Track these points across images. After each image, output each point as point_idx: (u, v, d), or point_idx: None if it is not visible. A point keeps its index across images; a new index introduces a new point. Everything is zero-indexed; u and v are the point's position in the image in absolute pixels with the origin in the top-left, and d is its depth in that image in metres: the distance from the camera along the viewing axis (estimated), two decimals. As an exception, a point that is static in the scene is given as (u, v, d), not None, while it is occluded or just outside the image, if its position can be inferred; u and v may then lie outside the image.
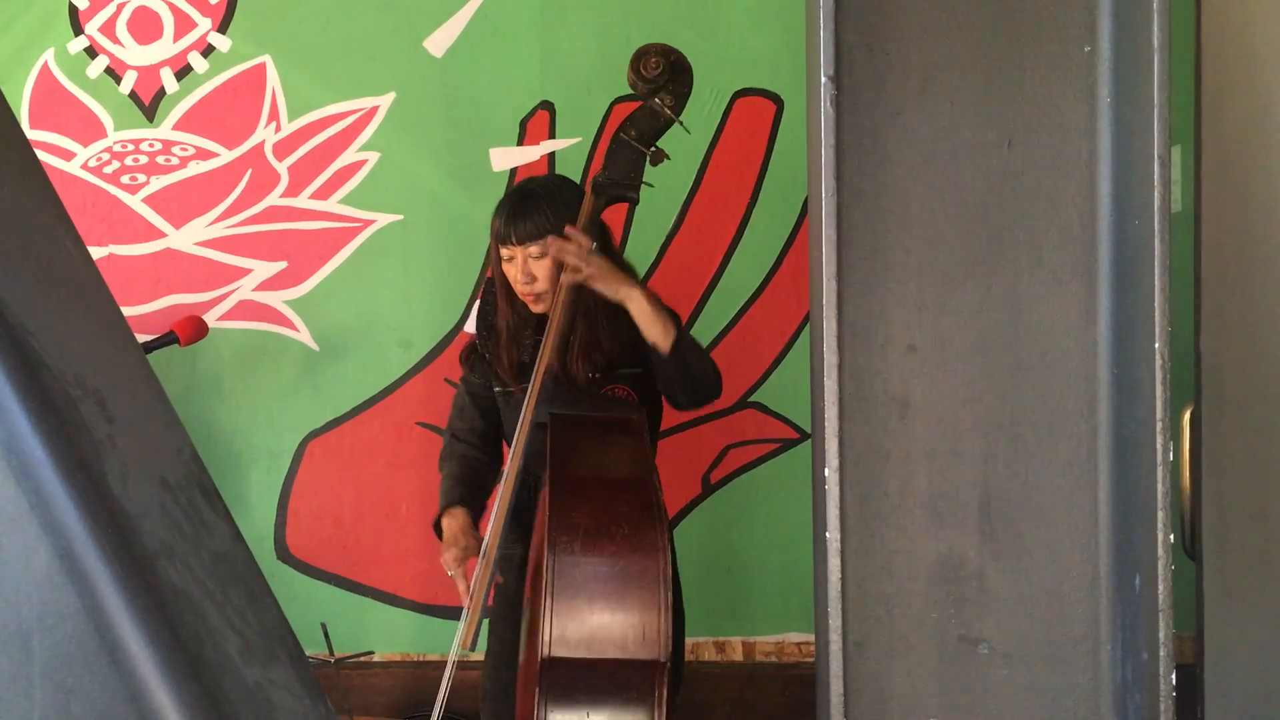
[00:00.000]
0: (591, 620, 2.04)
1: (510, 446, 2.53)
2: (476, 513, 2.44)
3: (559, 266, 2.35)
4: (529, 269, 2.37)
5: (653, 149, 2.37)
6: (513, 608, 2.34)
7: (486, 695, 2.55)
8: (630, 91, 2.40)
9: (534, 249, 2.36)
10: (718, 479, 3.33)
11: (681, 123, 2.38)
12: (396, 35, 3.31)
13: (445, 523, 2.39)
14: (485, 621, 2.34)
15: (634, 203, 2.46)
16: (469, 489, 2.47)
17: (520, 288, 2.40)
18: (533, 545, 2.36)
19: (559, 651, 2.02)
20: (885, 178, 1.47)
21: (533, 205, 2.39)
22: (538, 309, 2.42)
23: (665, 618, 2.04)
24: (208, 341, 3.11)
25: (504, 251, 2.41)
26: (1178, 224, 1.44)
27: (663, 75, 2.32)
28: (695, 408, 2.46)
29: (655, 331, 2.32)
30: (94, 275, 0.98)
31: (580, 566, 2.04)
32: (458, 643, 2.27)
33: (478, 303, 2.53)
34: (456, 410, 2.57)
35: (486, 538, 2.31)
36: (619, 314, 2.38)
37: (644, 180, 2.39)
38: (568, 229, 2.32)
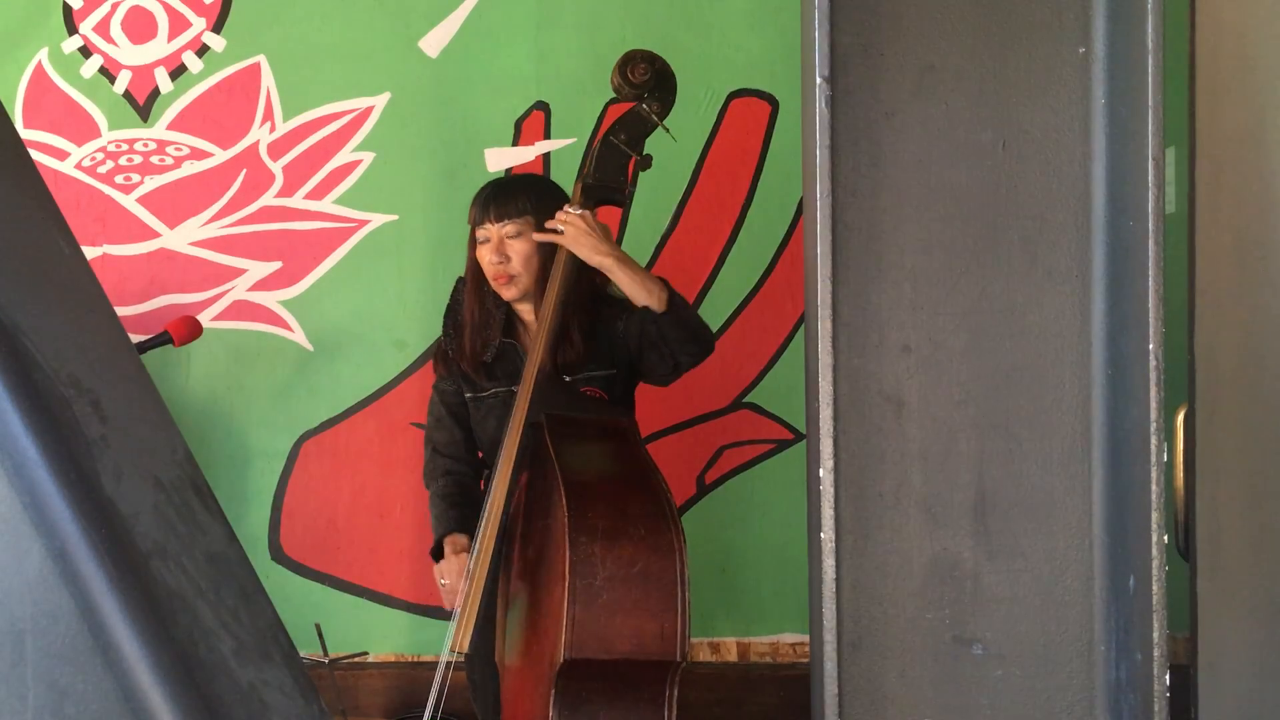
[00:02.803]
0: (611, 622, 2.04)
1: (485, 450, 2.54)
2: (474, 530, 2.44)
3: (541, 250, 2.36)
4: (503, 248, 2.37)
5: (640, 154, 2.38)
6: (488, 604, 2.34)
7: (473, 688, 2.57)
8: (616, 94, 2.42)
9: (509, 228, 2.37)
10: (712, 479, 3.33)
11: (667, 129, 2.39)
12: (391, 35, 3.30)
13: (448, 548, 2.41)
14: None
15: (623, 206, 2.48)
16: (462, 510, 2.48)
17: (493, 270, 2.39)
18: (519, 541, 2.36)
19: (576, 654, 2.02)
20: (880, 178, 1.47)
21: (514, 189, 2.44)
22: (509, 294, 2.41)
23: (683, 618, 2.06)
24: (202, 342, 3.10)
25: (479, 233, 2.41)
26: (1172, 225, 1.44)
27: (650, 81, 2.35)
28: (693, 365, 2.40)
29: (641, 293, 2.29)
30: (88, 275, 0.98)
31: (600, 568, 2.04)
32: (449, 644, 2.27)
33: (448, 301, 2.53)
34: (434, 421, 2.55)
35: (477, 544, 2.30)
36: (591, 314, 2.38)
37: (633, 185, 2.40)
38: (559, 213, 2.33)
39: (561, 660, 2.02)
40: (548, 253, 2.37)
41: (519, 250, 2.37)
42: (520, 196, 2.40)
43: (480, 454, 2.57)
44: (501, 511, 2.27)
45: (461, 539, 2.41)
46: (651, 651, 2.04)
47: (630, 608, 2.04)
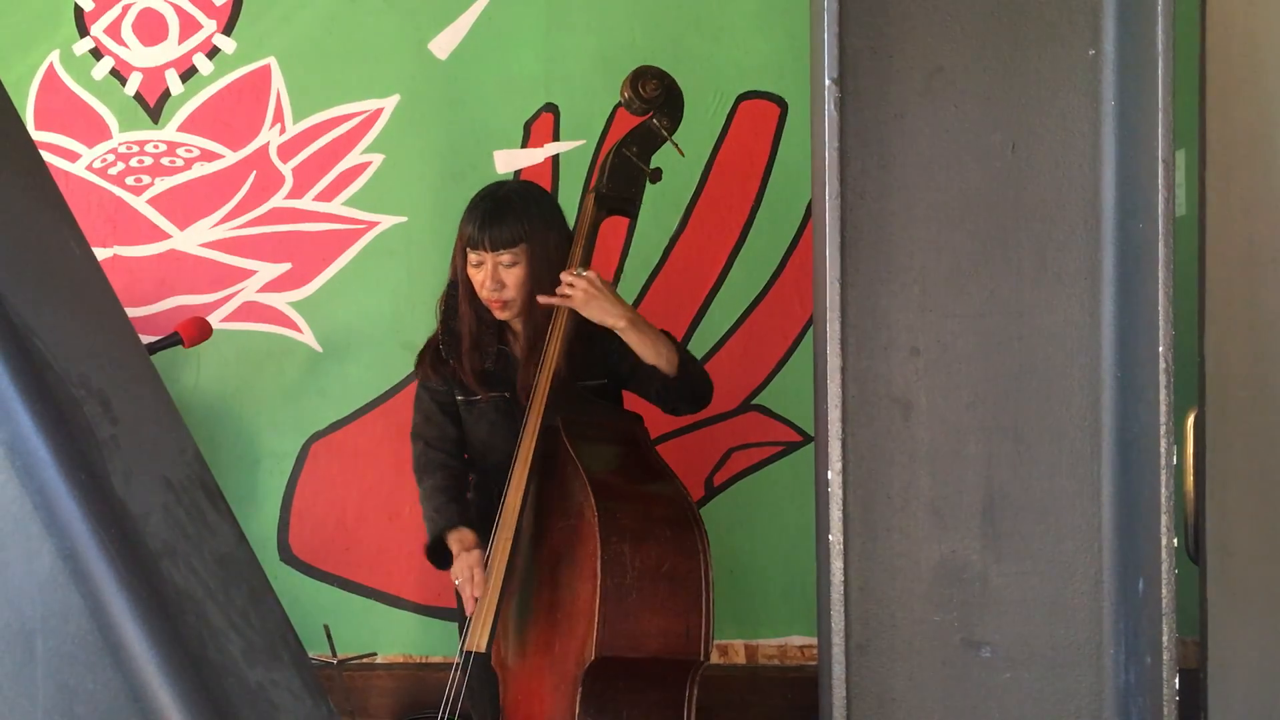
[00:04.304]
0: (640, 621, 2.09)
1: (474, 454, 2.53)
2: (473, 527, 2.43)
3: (536, 273, 2.35)
4: (499, 276, 2.36)
5: (650, 167, 2.41)
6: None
7: (471, 693, 2.56)
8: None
9: (505, 256, 2.35)
10: (721, 481, 3.33)
11: (676, 144, 2.42)
12: (401, 37, 3.31)
13: (456, 546, 2.38)
14: (464, 621, 2.34)
15: (633, 217, 2.48)
16: (463, 506, 2.46)
17: (487, 294, 2.38)
18: (528, 543, 2.36)
19: (606, 652, 2.04)
20: (889, 180, 1.47)
21: (507, 211, 2.38)
22: (503, 315, 2.41)
23: (707, 618, 2.09)
24: (211, 343, 3.11)
25: (473, 256, 2.39)
26: (1181, 227, 1.44)
27: (660, 97, 2.40)
28: (690, 413, 2.49)
29: (651, 354, 2.32)
30: (98, 276, 0.98)
31: (630, 568, 2.08)
32: (465, 644, 2.27)
33: (440, 307, 2.51)
34: (423, 417, 2.53)
35: (492, 546, 2.30)
36: (590, 326, 2.38)
37: (642, 197, 2.43)
38: (541, 298, 2.32)
39: (592, 658, 2.04)
40: (540, 272, 2.36)
41: (514, 277, 2.36)
42: (515, 222, 2.36)
43: (467, 456, 2.57)
44: (518, 513, 2.27)
45: (469, 534, 2.40)
46: (676, 650, 2.08)
47: (658, 607, 2.08)
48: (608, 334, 2.39)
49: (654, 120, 2.42)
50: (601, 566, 2.06)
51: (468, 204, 2.43)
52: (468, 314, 2.43)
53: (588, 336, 2.40)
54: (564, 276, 2.31)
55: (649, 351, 2.31)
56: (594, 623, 2.04)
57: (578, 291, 2.29)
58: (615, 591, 2.06)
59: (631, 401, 2.55)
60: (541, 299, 2.33)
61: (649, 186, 2.45)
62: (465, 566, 2.30)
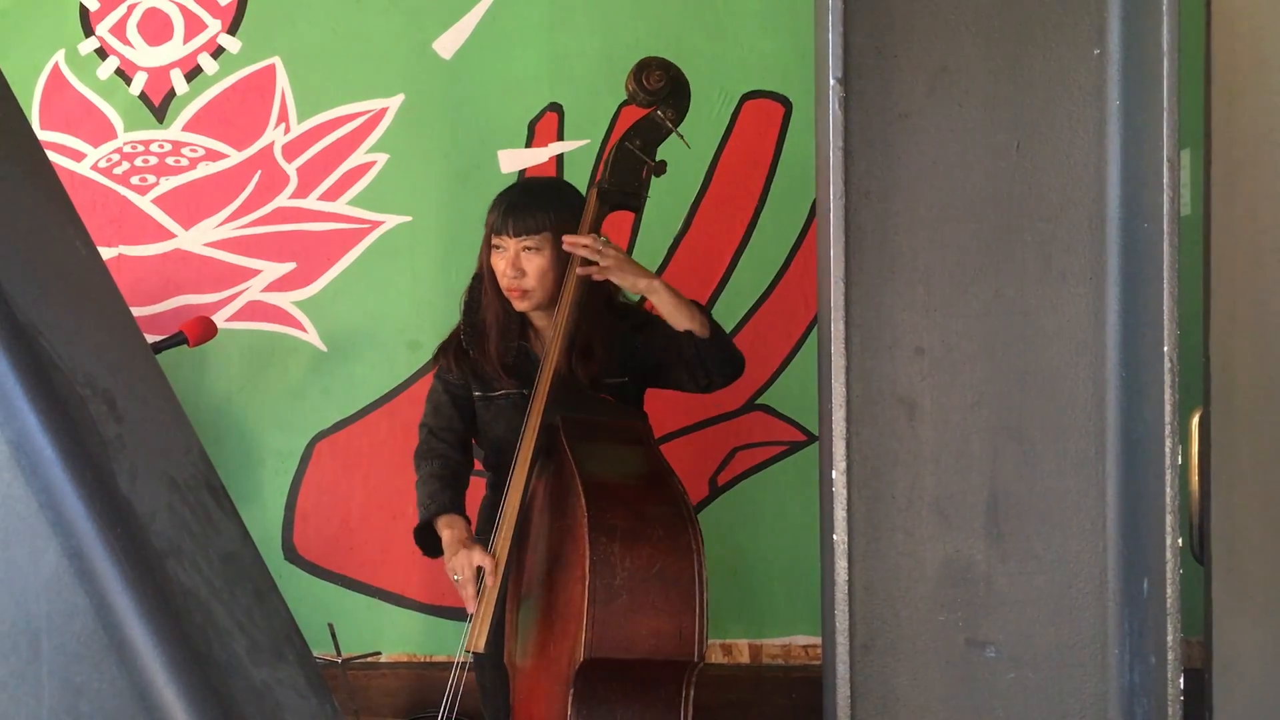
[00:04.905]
0: (630, 622, 2.06)
1: (490, 451, 2.54)
2: (465, 518, 2.44)
3: (557, 265, 2.35)
4: (519, 263, 2.36)
5: (654, 160, 2.40)
6: (498, 606, 2.34)
7: (483, 691, 2.57)
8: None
9: (529, 241, 2.35)
10: (725, 481, 3.33)
11: (681, 135, 2.40)
12: (405, 37, 3.31)
13: (446, 533, 2.38)
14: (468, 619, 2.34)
15: (637, 211, 2.47)
16: (456, 494, 2.46)
17: (507, 281, 2.37)
18: (530, 542, 2.36)
19: (596, 653, 2.03)
20: (893, 180, 1.47)
21: (534, 200, 2.39)
22: (521, 306, 2.40)
23: (700, 619, 2.07)
24: (216, 342, 3.11)
25: (496, 241, 2.39)
26: (1187, 227, 1.44)
27: (664, 89, 2.36)
28: (725, 386, 2.45)
29: (684, 318, 2.31)
30: (104, 275, 0.98)
31: (619, 568, 2.06)
32: (465, 644, 2.27)
33: (463, 299, 2.50)
34: (433, 407, 2.53)
35: (494, 545, 2.30)
36: (607, 323, 2.38)
37: (647, 191, 2.41)
38: (567, 237, 2.32)
39: (581, 659, 2.03)
40: (562, 265, 2.36)
41: (535, 265, 2.36)
42: (540, 211, 2.36)
43: (484, 453, 2.57)
44: (517, 512, 2.27)
45: (459, 521, 2.39)
46: (669, 651, 2.06)
47: (649, 608, 2.06)
48: (629, 332, 2.38)
49: (658, 112, 2.40)
50: (590, 567, 2.05)
51: (498, 194, 2.45)
52: (494, 304, 2.42)
53: (608, 334, 2.40)
54: (580, 240, 2.30)
55: (683, 315, 2.31)
56: (583, 624, 2.03)
57: (610, 259, 2.29)
58: (604, 592, 2.04)
59: (651, 404, 2.54)
60: (580, 270, 2.32)
61: (654, 185, 2.44)
62: (462, 565, 2.29)
